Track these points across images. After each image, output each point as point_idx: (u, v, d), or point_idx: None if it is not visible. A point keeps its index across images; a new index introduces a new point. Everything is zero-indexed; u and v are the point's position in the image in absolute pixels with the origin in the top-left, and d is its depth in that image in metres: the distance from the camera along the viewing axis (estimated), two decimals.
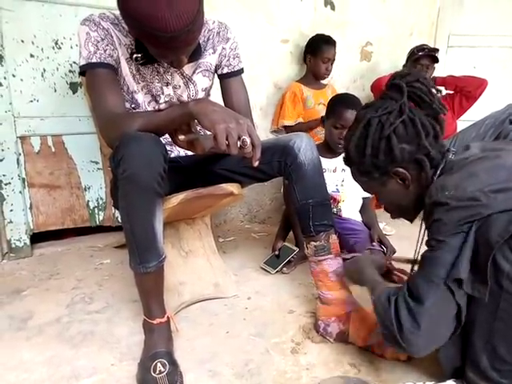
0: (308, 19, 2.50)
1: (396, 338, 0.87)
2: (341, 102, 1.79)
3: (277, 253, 1.79)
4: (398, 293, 0.91)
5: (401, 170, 0.94)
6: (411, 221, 1.09)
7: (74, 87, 1.96)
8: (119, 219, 1.89)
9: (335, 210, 1.83)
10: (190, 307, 1.42)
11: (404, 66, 2.47)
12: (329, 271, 1.24)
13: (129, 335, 1.26)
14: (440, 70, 2.53)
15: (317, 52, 2.34)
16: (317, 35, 2.39)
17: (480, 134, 2.00)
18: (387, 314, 0.90)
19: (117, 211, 2.08)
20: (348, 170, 1.09)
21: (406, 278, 1.54)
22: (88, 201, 2.08)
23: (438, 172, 0.92)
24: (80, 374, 1.09)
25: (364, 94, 2.72)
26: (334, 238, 1.27)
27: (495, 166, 0.83)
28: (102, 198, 2.11)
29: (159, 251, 1.08)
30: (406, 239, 1.26)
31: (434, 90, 0.95)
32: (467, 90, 2.38)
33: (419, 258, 0.94)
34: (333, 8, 2.54)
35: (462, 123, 2.35)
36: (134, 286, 1.13)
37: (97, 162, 2.06)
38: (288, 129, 2.36)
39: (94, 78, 1.14)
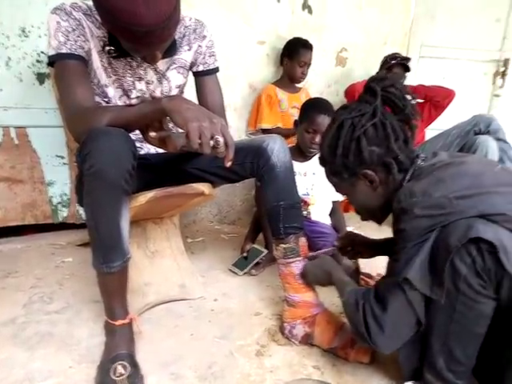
0: (285, 22, 2.50)
1: (364, 338, 0.93)
2: (314, 107, 1.80)
3: (245, 254, 1.78)
4: (365, 297, 0.95)
5: (369, 172, 0.97)
6: (379, 223, 1.11)
7: (41, 78, 1.88)
8: (83, 216, 1.84)
9: (305, 212, 1.84)
10: (155, 309, 1.39)
11: (377, 73, 2.52)
12: (296, 273, 1.24)
13: (89, 337, 1.22)
14: (411, 79, 2.60)
15: (294, 55, 2.35)
16: (294, 38, 2.39)
17: (447, 143, 2.09)
18: (356, 316, 0.95)
19: (81, 208, 2.00)
20: (318, 173, 1.11)
21: (371, 282, 1.57)
22: (51, 196, 2.00)
23: (408, 177, 0.95)
24: (34, 377, 1.04)
25: (338, 99, 2.75)
26: (303, 240, 1.27)
27: (460, 172, 0.88)
28: (66, 194, 2.04)
29: (124, 251, 1.05)
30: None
31: (408, 97, 0.97)
32: (436, 99, 2.45)
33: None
34: (310, 12, 2.56)
35: (431, 132, 2.43)
36: (96, 286, 1.10)
37: (62, 157, 1.99)
38: (266, 132, 2.35)
39: (63, 69, 1.09)
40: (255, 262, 1.72)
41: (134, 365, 1.05)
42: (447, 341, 0.86)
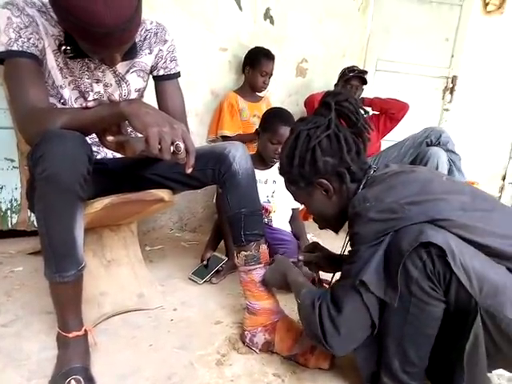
0: (247, 30, 2.53)
1: (319, 339, 0.94)
2: (277, 118, 1.81)
3: (205, 263, 1.76)
4: (321, 298, 0.97)
5: (324, 181, 1.02)
6: (336, 231, 1.16)
7: None
8: (35, 223, 1.75)
9: (266, 220, 1.85)
10: (111, 319, 1.34)
11: (336, 84, 2.59)
12: (257, 281, 1.24)
13: (40, 350, 1.15)
14: (368, 92, 2.69)
15: (255, 65, 2.37)
16: (257, 48, 2.41)
17: (401, 153, 2.19)
18: (311, 318, 0.96)
19: (33, 214, 1.91)
20: (279, 181, 1.13)
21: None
22: (0, 202, 1.88)
23: (361, 186, 1.00)
24: None
25: (297, 109, 2.80)
26: (263, 247, 1.27)
27: (410, 180, 0.94)
28: (16, 200, 1.93)
29: (78, 259, 1.01)
30: (330, 250, 1.31)
31: (361, 111, 1.03)
32: (391, 112, 2.56)
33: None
34: (272, 22, 2.60)
35: (386, 142, 2.53)
36: (49, 296, 1.04)
37: (12, 160, 1.89)
38: (226, 139, 2.35)
39: (13, 67, 1.04)
40: (215, 270, 1.70)
41: (89, 379, 1.00)
42: (402, 342, 0.89)
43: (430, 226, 0.82)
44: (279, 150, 1.80)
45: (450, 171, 2.08)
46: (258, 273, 1.24)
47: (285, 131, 1.71)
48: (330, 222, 1.13)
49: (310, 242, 2.24)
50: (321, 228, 1.18)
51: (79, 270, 1.02)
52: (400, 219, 0.85)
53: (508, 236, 0.84)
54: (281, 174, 1.12)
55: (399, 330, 0.89)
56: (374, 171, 1.03)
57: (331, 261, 1.27)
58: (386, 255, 0.85)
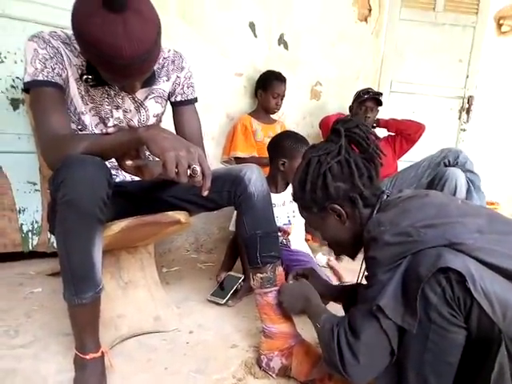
0: (262, 56, 2.59)
1: (338, 368, 0.92)
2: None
3: (222, 279, 1.75)
4: (339, 325, 0.95)
5: (336, 206, 1.02)
6: (352, 258, 1.14)
7: (15, 103, 1.86)
8: (55, 245, 1.78)
9: (284, 241, 1.85)
10: (127, 341, 1.34)
11: (350, 106, 2.61)
12: (274, 303, 1.23)
13: (57, 373, 1.15)
14: (383, 113, 2.70)
15: (267, 87, 2.42)
16: (268, 71, 2.47)
17: (418, 174, 2.17)
18: (330, 345, 0.94)
19: (53, 236, 1.95)
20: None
21: None
22: (22, 224, 1.93)
23: (375, 211, 1.00)
24: None
25: (313, 131, 2.83)
26: (280, 269, 1.27)
27: (425, 203, 0.93)
28: (37, 222, 1.98)
29: (96, 281, 1.02)
30: (351, 271, 1.29)
31: (372, 136, 1.04)
32: (407, 132, 2.55)
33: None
34: (286, 47, 2.66)
35: (402, 163, 2.52)
36: (67, 318, 1.05)
37: (34, 183, 1.94)
38: (240, 160, 2.38)
39: (38, 95, 1.09)
40: (235, 288, 1.70)
41: None
42: (422, 370, 0.86)
43: (447, 250, 0.80)
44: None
45: (468, 191, 2.04)
46: (275, 295, 1.23)
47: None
48: (345, 248, 1.13)
49: (330, 262, 2.23)
50: (337, 254, 1.17)
51: (97, 292, 1.03)
52: (416, 242, 0.84)
53: None
54: (294, 200, 1.13)
55: (419, 358, 0.86)
56: (388, 196, 1.03)
57: (327, 291, 1.25)
58: (403, 280, 0.83)
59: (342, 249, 1.14)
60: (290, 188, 1.86)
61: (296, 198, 1.11)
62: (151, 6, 0.97)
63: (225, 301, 1.67)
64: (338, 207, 1.02)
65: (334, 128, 1.05)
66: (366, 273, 0.99)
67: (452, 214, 0.89)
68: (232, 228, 1.98)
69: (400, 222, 0.88)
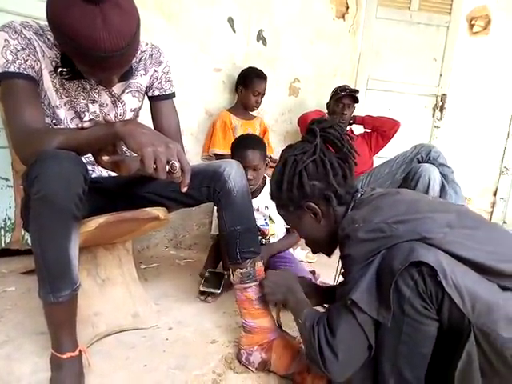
0: (241, 52, 2.58)
1: (319, 365, 0.94)
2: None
3: (207, 274, 1.75)
4: (319, 322, 0.97)
5: (312, 204, 1.05)
6: (328, 255, 1.17)
7: None
8: (29, 242, 1.73)
9: (264, 242, 1.85)
10: (105, 339, 1.32)
11: (328, 103, 2.64)
12: (253, 298, 1.24)
13: (32, 373, 1.13)
14: (359, 110, 2.74)
15: (248, 85, 2.41)
16: (249, 68, 2.46)
17: (392, 170, 2.21)
18: (311, 342, 0.96)
19: (27, 234, 1.90)
20: (271, 206, 1.16)
21: None
22: None
23: (350, 209, 1.03)
24: None
25: (291, 127, 2.85)
26: (259, 264, 1.27)
27: (396, 200, 0.97)
28: (10, 219, 1.92)
29: (73, 279, 1.00)
30: (327, 266, 1.31)
31: (346, 136, 1.07)
32: (383, 129, 2.60)
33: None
34: (265, 44, 2.66)
35: (378, 159, 2.56)
36: (42, 317, 1.03)
37: (7, 179, 1.88)
38: (219, 157, 2.36)
39: (10, 88, 1.05)
40: (224, 278, 1.70)
41: None
42: (396, 362, 0.88)
43: (420, 244, 0.83)
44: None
45: (442, 186, 2.10)
46: (254, 290, 1.24)
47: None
48: (321, 246, 1.16)
49: (306, 258, 2.26)
50: (314, 252, 1.21)
51: (74, 290, 1.01)
52: (389, 237, 0.87)
53: (494, 252, 0.85)
54: (272, 199, 1.16)
55: (393, 350, 0.88)
56: (362, 194, 1.06)
57: (317, 293, 1.27)
58: (377, 275, 0.86)
59: (319, 246, 1.17)
60: (263, 193, 1.86)
61: (273, 197, 1.14)
62: None
63: (220, 290, 1.66)
64: (314, 205, 1.05)
65: (309, 128, 1.07)
66: (342, 270, 1.01)
67: (422, 209, 0.92)
68: (214, 232, 1.96)
69: (372, 218, 0.91)
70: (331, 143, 1.06)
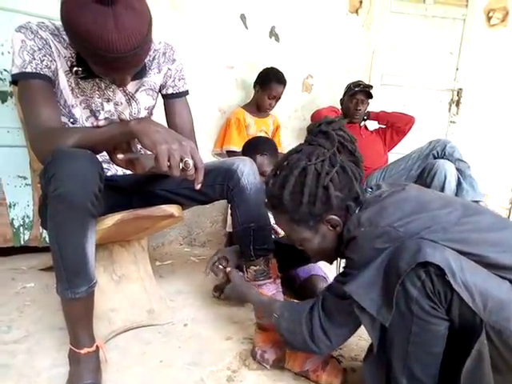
0: (253, 48, 2.57)
1: (309, 347, 1.00)
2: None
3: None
4: (312, 310, 1.00)
5: (335, 217, 0.98)
6: (331, 262, 1.13)
7: (3, 96, 1.83)
8: (47, 239, 1.77)
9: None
10: (122, 335, 1.34)
11: (341, 99, 2.62)
12: (268, 295, 1.24)
13: (51, 367, 1.15)
14: (374, 106, 2.71)
15: (265, 87, 2.38)
16: (271, 69, 2.41)
17: (407, 166, 2.19)
18: (298, 328, 1.00)
19: (45, 231, 1.93)
20: None
21: None
22: (13, 219, 1.92)
23: (357, 210, 0.99)
24: None
25: (304, 124, 2.83)
26: (273, 262, 1.28)
27: (402, 199, 0.94)
28: (28, 216, 1.96)
29: (90, 276, 1.02)
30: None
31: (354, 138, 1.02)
32: (397, 125, 2.57)
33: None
34: (277, 40, 2.65)
35: (393, 155, 2.53)
36: (60, 312, 1.06)
37: (25, 178, 1.92)
38: (232, 154, 2.37)
39: (27, 88, 1.07)
40: None
41: None
42: (407, 362, 0.87)
43: (426, 243, 0.81)
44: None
45: (458, 181, 2.06)
46: (268, 287, 1.24)
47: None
48: (328, 255, 1.09)
49: None
50: (315, 262, 1.18)
51: (90, 287, 1.03)
52: (395, 240, 0.85)
53: (500, 243, 0.84)
54: (277, 211, 1.03)
55: (403, 350, 0.87)
56: (370, 193, 1.03)
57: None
58: (384, 273, 0.84)
59: (324, 255, 1.10)
60: None
61: (284, 210, 0.99)
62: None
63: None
64: (337, 218, 0.98)
65: (321, 130, 0.99)
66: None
67: (428, 206, 0.91)
68: (229, 229, 1.96)
69: (379, 221, 0.89)
70: (342, 147, 0.99)
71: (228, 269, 1.30)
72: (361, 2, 2.86)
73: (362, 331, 0.94)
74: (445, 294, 0.78)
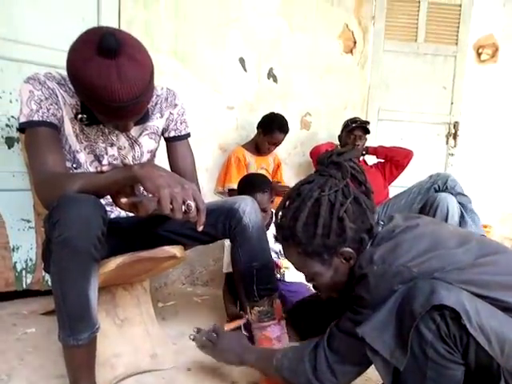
0: (252, 89, 2.66)
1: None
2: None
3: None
4: (317, 347, 0.96)
5: (349, 249, 0.94)
6: (339, 298, 1.07)
7: (9, 142, 1.87)
8: (49, 283, 1.76)
9: (278, 275, 1.83)
10: (124, 382, 1.30)
11: (339, 136, 2.67)
12: (272, 337, 1.22)
13: None
14: (371, 141, 2.76)
15: (267, 133, 2.42)
16: (275, 116, 2.44)
17: (409, 200, 2.19)
18: (299, 367, 0.96)
19: (47, 275, 1.92)
20: None
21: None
22: (15, 262, 1.91)
23: (369, 244, 0.96)
24: None
25: (303, 159, 2.88)
26: (277, 302, 1.26)
27: (416, 236, 0.92)
28: (31, 260, 1.95)
29: (92, 321, 1.01)
30: None
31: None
32: (396, 159, 2.60)
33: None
34: (275, 80, 2.74)
35: (394, 189, 2.55)
36: (62, 359, 1.03)
37: (29, 221, 1.93)
38: (234, 192, 2.38)
39: (33, 135, 1.11)
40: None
41: None
42: None
43: (441, 285, 0.78)
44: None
45: (461, 215, 2.06)
46: (273, 329, 1.22)
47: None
48: (337, 289, 1.04)
49: None
50: (324, 298, 1.10)
51: (93, 332, 1.02)
52: (410, 280, 0.83)
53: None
54: (288, 243, 0.99)
55: None
56: (382, 226, 1.00)
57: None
58: (397, 315, 0.81)
59: (333, 290, 1.05)
60: (272, 228, 1.85)
61: (296, 242, 0.95)
62: (144, 51, 1.01)
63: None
64: (351, 250, 0.94)
65: (332, 161, 0.96)
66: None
67: (444, 244, 0.89)
68: (226, 270, 1.88)
69: (392, 260, 0.87)
70: (353, 178, 0.97)
71: (213, 335, 1.21)
72: (355, 43, 2.98)
73: (370, 373, 0.92)
74: (460, 337, 0.75)
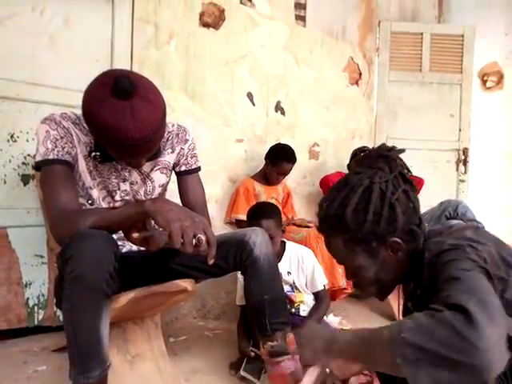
0: (261, 122, 2.71)
1: (467, 338, 0.60)
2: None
3: (252, 354, 1.52)
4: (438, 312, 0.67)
5: (398, 240, 0.89)
6: (383, 299, 1.01)
7: (25, 179, 1.92)
8: (61, 319, 1.75)
9: (293, 310, 1.80)
10: None
11: (348, 165, 2.69)
12: (287, 374, 1.19)
13: None
14: None
15: (275, 163, 2.46)
16: (282, 148, 2.49)
17: None
18: (446, 324, 0.64)
19: (59, 310, 1.92)
20: (294, 272, 1.01)
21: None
22: (28, 298, 1.91)
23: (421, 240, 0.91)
24: None
25: (313, 189, 2.89)
26: (290, 336, 1.23)
27: (480, 232, 0.87)
28: (43, 295, 1.96)
29: (103, 358, 1.00)
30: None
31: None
32: None
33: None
34: (283, 113, 2.80)
35: None
36: None
37: (42, 256, 1.95)
38: (241, 223, 2.37)
39: (49, 173, 1.14)
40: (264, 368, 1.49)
41: None
42: None
43: None
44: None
45: None
46: (287, 364, 1.19)
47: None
48: (383, 287, 0.97)
49: (340, 325, 2.16)
50: (365, 296, 1.02)
51: (104, 370, 1.01)
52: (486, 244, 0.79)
53: None
54: (337, 232, 0.93)
55: None
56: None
57: None
58: None
59: (379, 288, 0.97)
60: (284, 259, 1.85)
61: (344, 229, 0.91)
62: (157, 91, 1.05)
63: (260, 381, 1.48)
64: (400, 241, 0.88)
65: (381, 154, 0.94)
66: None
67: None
68: (239, 302, 1.86)
69: (461, 239, 0.82)
70: (401, 174, 0.92)
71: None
72: (360, 74, 3.05)
73: None
74: None
